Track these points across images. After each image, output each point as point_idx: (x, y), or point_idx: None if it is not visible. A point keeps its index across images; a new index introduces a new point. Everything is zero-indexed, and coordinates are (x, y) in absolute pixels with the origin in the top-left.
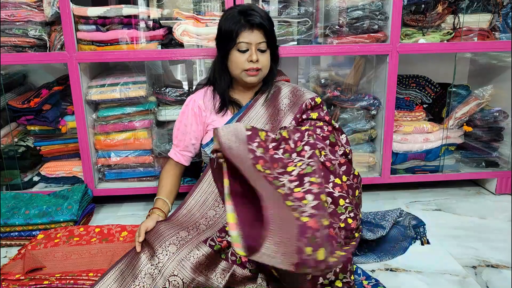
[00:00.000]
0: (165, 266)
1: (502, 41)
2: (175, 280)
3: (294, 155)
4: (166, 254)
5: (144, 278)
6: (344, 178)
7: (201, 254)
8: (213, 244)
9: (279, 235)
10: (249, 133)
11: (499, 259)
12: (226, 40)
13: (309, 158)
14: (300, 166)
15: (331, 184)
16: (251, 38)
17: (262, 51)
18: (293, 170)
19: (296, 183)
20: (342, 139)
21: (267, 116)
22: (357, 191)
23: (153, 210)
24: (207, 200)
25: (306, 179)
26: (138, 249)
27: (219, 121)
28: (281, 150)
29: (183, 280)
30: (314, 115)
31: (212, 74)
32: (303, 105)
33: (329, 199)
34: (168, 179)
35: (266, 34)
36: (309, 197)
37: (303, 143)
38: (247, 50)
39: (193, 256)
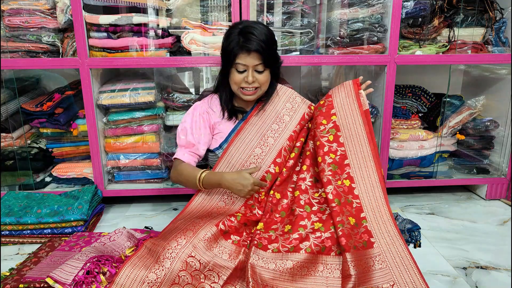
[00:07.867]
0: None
1: (494, 54)
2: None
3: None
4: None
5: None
6: None
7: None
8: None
9: None
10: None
11: (488, 260)
12: (226, 58)
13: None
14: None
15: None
16: (247, 60)
17: (260, 72)
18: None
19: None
20: None
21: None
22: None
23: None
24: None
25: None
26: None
27: (226, 126)
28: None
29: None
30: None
31: (217, 85)
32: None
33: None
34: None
35: (263, 56)
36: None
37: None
38: (245, 70)
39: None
